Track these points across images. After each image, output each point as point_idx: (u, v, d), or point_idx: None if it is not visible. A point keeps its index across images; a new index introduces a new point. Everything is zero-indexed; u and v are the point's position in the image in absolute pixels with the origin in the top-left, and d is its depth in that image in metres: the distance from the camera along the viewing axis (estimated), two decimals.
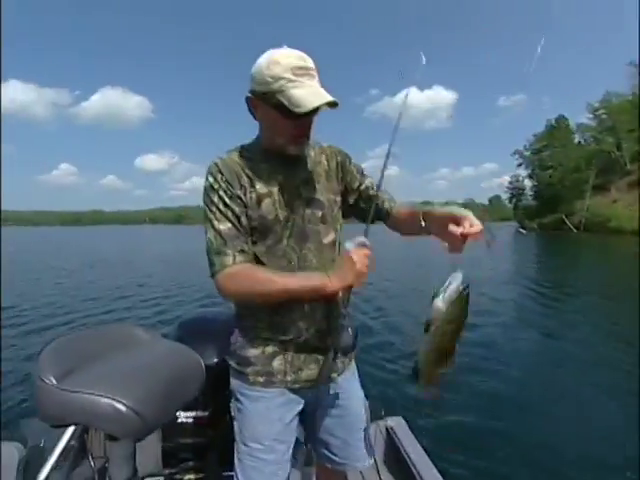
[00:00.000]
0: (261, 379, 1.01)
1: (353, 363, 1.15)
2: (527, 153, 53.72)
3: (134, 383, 0.80)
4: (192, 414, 1.37)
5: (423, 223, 0.95)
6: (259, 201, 0.97)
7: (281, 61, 0.87)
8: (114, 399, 0.73)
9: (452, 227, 0.81)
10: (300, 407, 1.05)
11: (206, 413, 1.37)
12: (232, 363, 1.07)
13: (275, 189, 0.99)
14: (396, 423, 1.85)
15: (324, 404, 1.08)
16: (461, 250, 0.83)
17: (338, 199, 1.10)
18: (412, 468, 1.55)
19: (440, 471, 1.52)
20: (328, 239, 1.04)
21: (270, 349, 1.01)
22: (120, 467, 0.87)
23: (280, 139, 0.96)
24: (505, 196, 68.38)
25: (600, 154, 41.92)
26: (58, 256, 18.47)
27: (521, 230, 43.08)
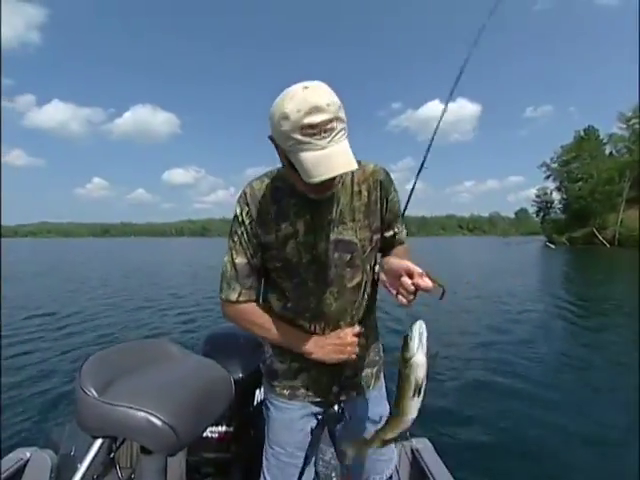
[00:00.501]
0: (286, 392, 1.07)
1: (379, 380, 1.15)
2: (555, 165, 52.29)
3: (169, 397, 0.81)
4: (217, 429, 1.39)
5: (377, 268, 1.00)
6: (284, 242, 0.95)
7: (290, 116, 0.75)
8: (150, 413, 0.74)
9: (405, 279, 0.82)
10: (323, 420, 1.08)
11: (230, 429, 1.38)
12: (263, 372, 1.14)
13: (301, 230, 0.95)
14: (422, 445, 1.78)
15: (345, 418, 1.10)
16: (410, 303, 0.83)
17: (376, 237, 1.01)
18: None
19: None
20: (353, 282, 1.00)
21: (295, 365, 1.05)
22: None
23: (299, 187, 0.88)
24: (532, 209, 66.45)
25: (634, 165, 40.12)
26: (91, 267, 19.17)
27: (549, 244, 41.68)
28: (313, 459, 1.10)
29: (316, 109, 0.75)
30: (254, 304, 1.01)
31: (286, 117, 0.76)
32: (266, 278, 1.05)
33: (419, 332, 0.84)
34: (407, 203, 1.02)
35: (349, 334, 0.97)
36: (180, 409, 0.80)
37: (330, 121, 0.76)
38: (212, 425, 1.37)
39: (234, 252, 0.97)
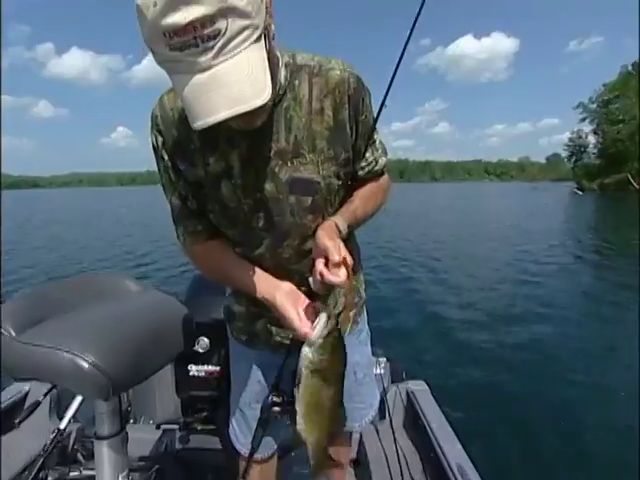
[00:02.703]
0: (244, 337, 0.93)
1: (359, 324, 0.98)
2: (593, 106, 47.83)
3: (104, 337, 0.72)
4: (203, 368, 1.38)
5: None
6: (217, 181, 0.73)
7: (145, 12, 0.46)
8: (76, 355, 0.65)
9: (317, 264, 0.66)
10: (284, 371, 0.92)
11: (217, 368, 1.37)
12: (223, 314, 1.00)
13: (236, 166, 0.71)
14: (418, 387, 1.75)
15: None
16: (319, 291, 0.68)
17: (345, 171, 0.76)
18: (430, 434, 1.47)
19: (461, 441, 1.41)
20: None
21: (254, 309, 0.88)
22: (102, 424, 0.78)
23: None
24: (565, 154, 62.93)
25: None
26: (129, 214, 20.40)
27: (577, 191, 40.22)
28: (278, 408, 0.93)
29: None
30: (206, 247, 0.82)
31: (140, 13, 0.47)
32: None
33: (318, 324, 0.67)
34: (375, 122, 0.78)
35: (303, 325, 0.69)
36: (116, 350, 0.71)
37: (211, 19, 0.46)
38: (197, 364, 1.37)
39: (166, 191, 0.79)
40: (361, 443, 1.63)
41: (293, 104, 0.70)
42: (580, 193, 37.52)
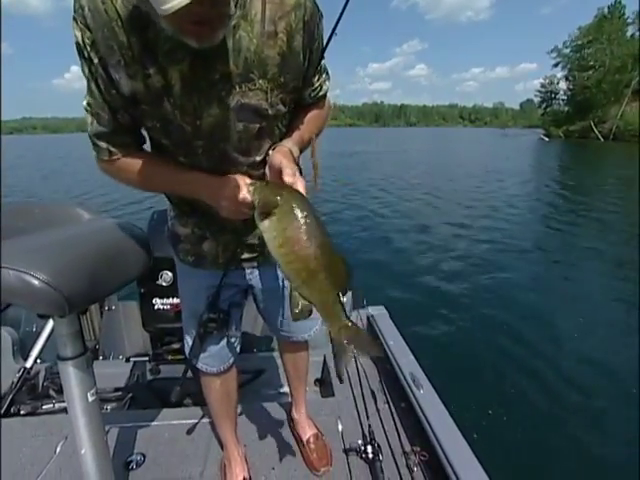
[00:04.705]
0: (191, 259, 0.93)
1: None
2: (567, 51, 46.64)
3: (55, 257, 0.72)
4: (167, 301, 1.42)
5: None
6: (158, 98, 0.66)
7: None
8: (26, 272, 0.64)
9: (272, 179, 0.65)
10: (238, 288, 0.99)
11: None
12: (167, 237, 0.98)
13: (177, 85, 0.64)
14: (377, 312, 1.85)
15: (266, 285, 1.00)
16: None
17: (291, 98, 0.75)
18: (388, 350, 1.56)
19: (417, 358, 1.49)
20: (262, 155, 0.77)
21: (199, 231, 0.89)
22: (65, 345, 0.79)
23: (168, 27, 0.55)
24: (537, 100, 62.86)
25: None
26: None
27: (544, 137, 40.99)
28: (229, 324, 1.00)
29: None
30: (132, 158, 0.75)
31: None
32: (150, 137, 0.77)
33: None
34: (324, 51, 0.75)
35: (242, 188, 0.67)
36: (68, 268, 0.71)
37: None
38: (162, 298, 1.41)
39: (91, 101, 0.67)
40: (325, 365, 1.76)
41: (243, 23, 0.64)
42: (546, 140, 38.33)
